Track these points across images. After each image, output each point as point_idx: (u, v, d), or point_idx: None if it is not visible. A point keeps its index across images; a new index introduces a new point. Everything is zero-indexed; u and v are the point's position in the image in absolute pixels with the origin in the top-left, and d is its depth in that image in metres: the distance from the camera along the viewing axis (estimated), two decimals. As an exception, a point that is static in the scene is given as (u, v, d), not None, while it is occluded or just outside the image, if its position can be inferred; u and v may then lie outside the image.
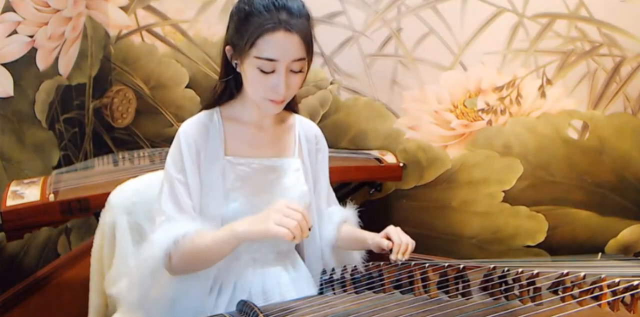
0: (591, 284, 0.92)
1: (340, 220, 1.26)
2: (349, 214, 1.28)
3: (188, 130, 1.09)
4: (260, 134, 1.15)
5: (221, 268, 1.09)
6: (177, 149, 1.08)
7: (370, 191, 2.21)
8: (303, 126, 1.23)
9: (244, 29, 1.00)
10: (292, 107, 1.20)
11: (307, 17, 1.02)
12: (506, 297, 0.94)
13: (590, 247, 2.17)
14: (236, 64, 1.06)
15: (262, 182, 1.13)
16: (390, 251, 1.10)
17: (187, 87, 2.46)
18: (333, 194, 1.33)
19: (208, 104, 1.14)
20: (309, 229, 0.93)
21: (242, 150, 1.12)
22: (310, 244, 1.24)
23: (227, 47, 1.06)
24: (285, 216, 0.91)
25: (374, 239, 1.14)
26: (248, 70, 1.02)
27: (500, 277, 0.97)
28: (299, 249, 1.25)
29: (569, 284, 0.94)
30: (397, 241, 1.10)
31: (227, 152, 1.11)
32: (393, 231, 1.13)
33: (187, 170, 1.07)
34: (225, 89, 1.12)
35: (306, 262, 1.24)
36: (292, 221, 0.90)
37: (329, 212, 1.28)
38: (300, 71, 1.02)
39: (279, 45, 0.98)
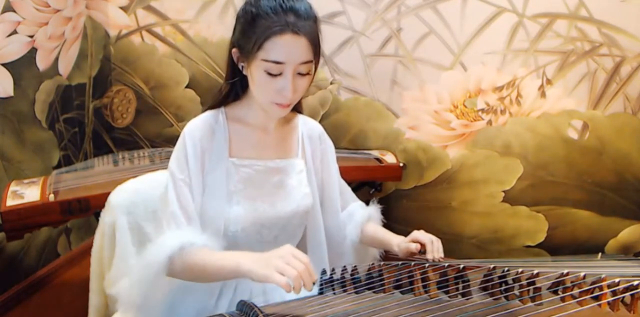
0: (591, 284, 0.92)
1: (363, 219, 1.26)
2: (371, 211, 1.28)
3: (193, 130, 1.08)
4: (265, 136, 1.14)
5: None
6: (181, 149, 1.07)
7: (370, 191, 2.20)
8: (307, 126, 1.23)
9: (251, 32, 0.98)
10: (296, 107, 1.19)
11: (314, 19, 1.00)
12: (506, 297, 0.94)
13: (590, 247, 2.17)
14: (242, 66, 1.05)
15: (265, 184, 1.12)
16: (422, 252, 1.13)
17: (187, 87, 2.46)
18: (350, 190, 1.32)
19: (213, 105, 1.13)
20: (314, 283, 0.86)
21: (246, 151, 1.12)
22: (314, 247, 1.23)
23: (234, 50, 1.05)
24: (287, 263, 0.86)
25: (401, 245, 1.16)
26: (255, 73, 1.01)
27: (500, 277, 0.97)
28: (301, 250, 1.25)
29: (569, 284, 0.93)
30: (428, 241, 1.13)
31: (232, 154, 1.10)
32: (419, 233, 1.16)
33: (190, 170, 1.06)
34: (231, 90, 1.11)
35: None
36: (294, 271, 0.84)
37: (350, 211, 1.28)
38: (308, 74, 1.01)
39: (286, 48, 0.96)
